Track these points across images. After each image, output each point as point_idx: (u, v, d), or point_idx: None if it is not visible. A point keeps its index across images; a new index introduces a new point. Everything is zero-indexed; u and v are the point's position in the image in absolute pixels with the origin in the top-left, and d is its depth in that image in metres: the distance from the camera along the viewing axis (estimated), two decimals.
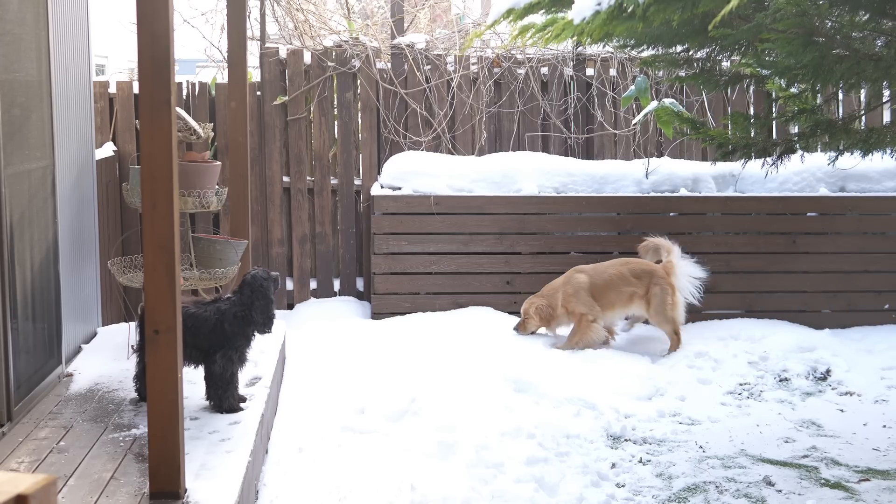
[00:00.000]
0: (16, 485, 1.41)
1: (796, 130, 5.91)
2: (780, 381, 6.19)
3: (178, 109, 5.80)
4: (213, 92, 7.78)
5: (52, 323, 4.93)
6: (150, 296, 3.46)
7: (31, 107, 4.68)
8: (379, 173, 7.82)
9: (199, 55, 9.65)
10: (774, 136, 7.53)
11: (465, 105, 8.02)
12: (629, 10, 4.04)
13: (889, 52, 4.23)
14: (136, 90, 7.42)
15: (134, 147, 7.51)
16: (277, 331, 5.52)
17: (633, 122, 7.78)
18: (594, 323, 6.52)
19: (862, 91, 6.35)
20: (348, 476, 4.37)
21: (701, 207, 7.47)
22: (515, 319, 6.85)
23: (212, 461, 3.89)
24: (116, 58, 14.28)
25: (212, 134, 6.38)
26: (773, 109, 7.66)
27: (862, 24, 4.32)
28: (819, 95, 5.58)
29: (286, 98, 7.83)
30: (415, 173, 7.41)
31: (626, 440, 5.16)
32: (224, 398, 4.49)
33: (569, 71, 8.17)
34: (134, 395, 4.66)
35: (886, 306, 7.51)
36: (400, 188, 7.38)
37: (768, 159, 5.47)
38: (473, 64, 8.06)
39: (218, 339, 4.49)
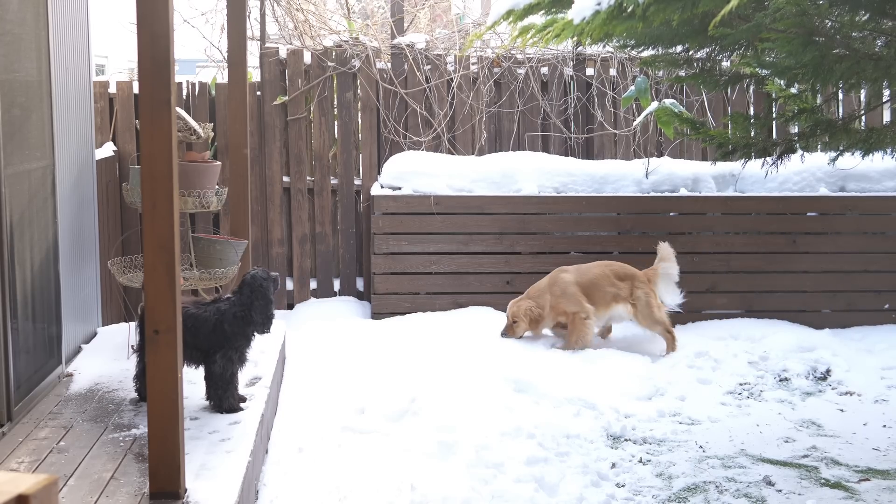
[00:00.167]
0: (17, 485, 1.41)
1: (796, 130, 5.91)
2: (780, 380, 6.19)
3: (178, 109, 5.80)
4: (213, 92, 7.78)
5: (52, 323, 4.93)
6: (150, 296, 3.46)
7: (31, 107, 4.68)
8: (379, 173, 7.82)
9: (199, 55, 9.65)
10: (774, 136, 7.53)
11: (465, 105, 8.02)
12: (629, 9, 4.04)
13: (889, 52, 4.23)
14: (136, 90, 7.42)
15: (134, 147, 7.51)
16: (277, 331, 5.52)
17: (634, 123, 7.78)
18: (587, 320, 6.51)
19: (862, 91, 6.35)
20: (348, 476, 4.37)
21: (701, 207, 7.47)
22: None
23: (212, 461, 3.89)
24: (116, 58, 14.28)
25: (212, 134, 6.38)
26: (773, 109, 7.66)
27: (862, 24, 4.32)
28: (819, 95, 5.58)
29: (286, 98, 7.83)
30: (415, 173, 7.41)
31: (626, 440, 5.16)
32: (224, 398, 4.49)
33: (569, 71, 8.17)
34: (134, 395, 4.66)
35: (886, 306, 7.51)
36: (400, 188, 7.38)
37: (768, 159, 5.47)
38: (473, 64, 8.07)
39: (218, 339, 4.49)
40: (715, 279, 7.45)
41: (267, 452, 4.66)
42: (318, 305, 7.73)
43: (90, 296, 5.81)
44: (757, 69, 4.84)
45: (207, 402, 4.54)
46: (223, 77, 8.11)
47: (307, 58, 7.86)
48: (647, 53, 5.73)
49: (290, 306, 7.87)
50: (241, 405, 4.55)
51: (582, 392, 5.65)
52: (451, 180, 7.39)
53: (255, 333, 4.61)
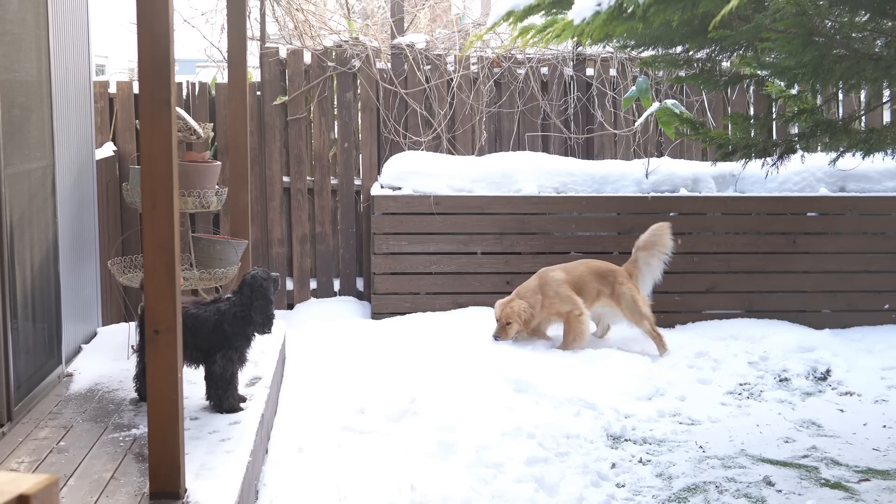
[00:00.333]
0: (18, 485, 1.41)
1: (796, 131, 5.91)
2: (780, 381, 6.19)
3: (178, 109, 5.80)
4: (213, 92, 7.78)
5: (52, 323, 4.94)
6: (150, 296, 3.46)
7: (31, 107, 4.68)
8: (379, 173, 7.82)
9: (199, 55, 9.65)
10: (774, 136, 7.53)
11: (465, 105, 8.02)
12: (629, 10, 4.04)
13: (889, 52, 4.23)
14: (136, 90, 7.42)
15: (134, 147, 7.51)
16: (277, 331, 5.52)
17: (636, 123, 7.78)
18: (582, 316, 6.52)
19: (862, 91, 6.35)
20: (348, 476, 4.37)
21: (701, 207, 7.47)
22: None
23: (212, 461, 3.89)
24: (116, 58, 14.27)
25: (212, 134, 6.38)
26: (773, 110, 7.66)
27: (862, 24, 4.32)
28: (819, 96, 5.58)
29: (286, 98, 7.83)
30: (415, 173, 7.41)
31: (626, 440, 5.16)
32: (224, 398, 4.49)
33: (569, 71, 8.17)
34: (134, 395, 4.66)
35: (886, 306, 7.51)
36: (400, 188, 7.38)
37: (768, 160, 5.47)
38: (473, 64, 8.07)
39: (218, 339, 4.49)
40: (715, 279, 7.45)
41: (267, 452, 4.66)
42: (318, 305, 7.73)
43: (90, 296, 5.81)
44: (757, 70, 4.84)
45: (207, 402, 4.54)
46: (223, 77, 8.11)
47: (307, 58, 7.86)
48: (647, 54, 5.74)
49: (290, 306, 7.87)
50: (241, 405, 4.55)
51: (582, 392, 5.65)
52: (451, 180, 7.40)
53: (256, 333, 4.61)
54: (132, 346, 5.32)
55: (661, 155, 8.12)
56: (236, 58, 6.25)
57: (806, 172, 7.58)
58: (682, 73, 5.70)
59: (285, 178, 7.91)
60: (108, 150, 7.26)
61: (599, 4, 4.14)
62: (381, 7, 9.27)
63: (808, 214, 7.52)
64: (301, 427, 4.97)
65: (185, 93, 7.72)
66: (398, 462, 4.53)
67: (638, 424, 5.35)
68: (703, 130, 5.62)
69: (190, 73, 9.83)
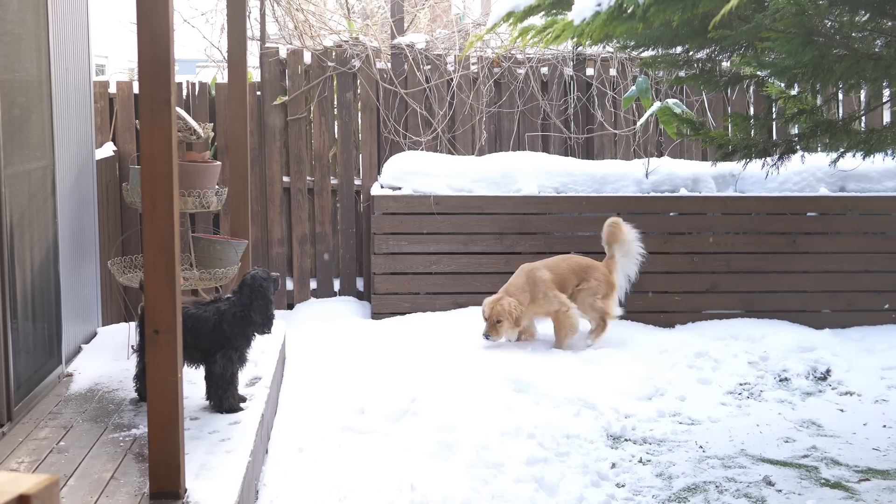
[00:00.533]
0: (18, 485, 1.41)
1: (796, 131, 5.91)
2: (780, 381, 6.19)
3: (178, 109, 5.80)
4: (213, 92, 7.78)
5: (52, 323, 4.94)
6: (150, 296, 3.46)
7: (31, 107, 4.68)
8: (379, 173, 7.82)
9: (199, 55, 9.65)
10: (775, 136, 7.53)
11: (464, 105, 8.03)
12: (629, 10, 4.04)
13: (889, 52, 4.23)
14: (136, 90, 7.43)
15: (134, 147, 7.51)
16: (277, 331, 5.52)
17: (637, 124, 7.78)
18: (570, 311, 6.53)
19: (862, 91, 6.35)
20: (348, 476, 4.37)
21: (701, 207, 7.47)
22: None
23: (212, 461, 3.89)
24: (116, 58, 14.27)
25: (212, 134, 6.38)
26: (773, 110, 7.66)
27: (862, 24, 4.32)
28: (819, 96, 5.58)
29: (286, 98, 7.83)
30: (415, 173, 7.41)
31: (626, 440, 5.16)
32: (224, 398, 4.49)
33: (569, 71, 8.17)
34: (134, 395, 4.66)
35: (886, 306, 7.51)
36: (400, 188, 7.38)
37: (769, 160, 5.47)
38: (473, 64, 8.07)
39: (218, 339, 4.49)
40: (715, 279, 7.45)
41: (267, 452, 4.66)
42: (318, 305, 7.73)
43: (90, 296, 5.81)
44: (757, 70, 4.84)
45: (207, 402, 4.54)
46: (223, 77, 8.11)
47: (307, 58, 7.86)
48: (647, 54, 5.74)
49: (290, 306, 7.87)
50: (241, 405, 4.56)
51: (582, 392, 5.65)
52: (451, 180, 7.40)
53: (256, 333, 4.61)
54: (132, 346, 5.32)
55: (661, 155, 8.12)
56: (236, 58, 6.26)
57: (806, 172, 7.58)
58: (682, 74, 5.70)
59: (285, 178, 7.91)
60: (108, 150, 7.27)
61: (599, 4, 4.14)
62: (381, 7, 9.28)
63: (808, 214, 7.52)
64: (301, 427, 4.97)
65: (185, 93, 7.72)
66: (398, 462, 4.53)
67: (638, 424, 5.35)
68: (703, 131, 5.61)
69: (190, 73, 9.83)
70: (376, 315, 7.34)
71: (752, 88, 7.63)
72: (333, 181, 7.95)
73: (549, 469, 4.58)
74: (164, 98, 3.37)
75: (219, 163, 6.05)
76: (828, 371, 6.34)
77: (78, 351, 5.46)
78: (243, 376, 4.87)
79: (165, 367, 3.47)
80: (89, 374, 5.04)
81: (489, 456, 4.62)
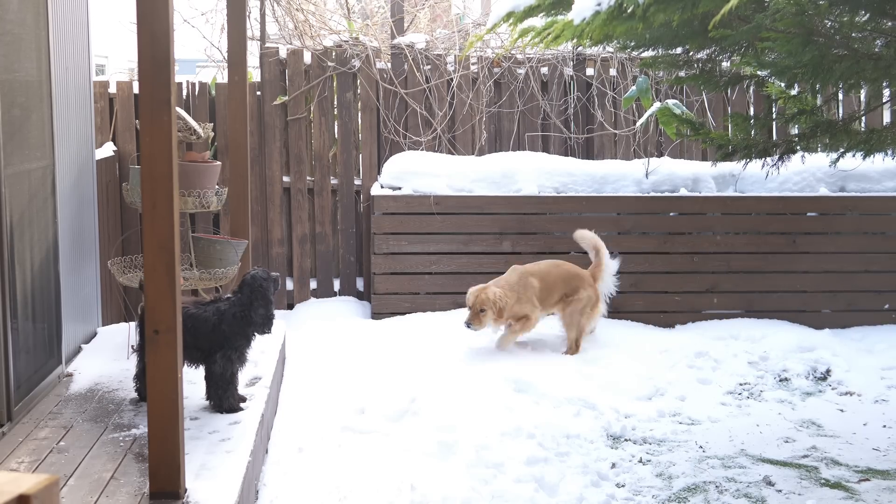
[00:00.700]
0: (18, 485, 1.41)
1: (797, 131, 5.91)
2: (780, 381, 6.19)
3: (178, 109, 5.80)
4: (213, 92, 7.78)
5: (52, 323, 4.94)
6: (150, 296, 3.46)
7: (31, 107, 4.68)
8: (379, 173, 7.82)
9: (199, 55, 9.66)
10: (775, 136, 7.53)
11: (464, 105, 8.03)
12: (629, 10, 4.04)
13: (889, 52, 4.23)
14: (136, 90, 7.42)
15: (134, 147, 7.51)
16: (277, 331, 5.52)
17: (637, 124, 7.77)
18: (535, 323, 6.46)
19: (862, 91, 6.35)
20: (348, 476, 4.37)
21: (701, 207, 7.47)
22: None
23: (212, 461, 3.89)
24: (116, 58, 14.28)
25: (212, 134, 6.38)
26: (773, 110, 7.66)
27: (862, 24, 4.32)
28: (819, 96, 5.58)
29: (286, 98, 7.83)
30: (415, 173, 7.41)
31: (626, 440, 5.16)
32: (224, 398, 4.49)
33: (569, 71, 8.17)
34: (134, 395, 4.66)
35: (886, 306, 7.51)
36: (400, 188, 7.38)
37: (769, 160, 5.47)
38: (473, 64, 8.07)
39: (218, 339, 4.49)
40: (715, 279, 7.45)
41: (267, 452, 4.66)
42: (318, 305, 7.73)
43: (90, 296, 5.81)
44: (757, 70, 4.84)
45: (207, 402, 4.54)
46: (223, 77, 8.11)
47: (307, 58, 7.86)
48: (647, 54, 5.74)
49: (290, 306, 7.87)
50: (241, 405, 4.56)
51: (582, 392, 5.65)
52: (451, 180, 7.40)
53: (256, 333, 4.61)
54: (132, 346, 5.32)
55: (661, 155, 8.12)
56: (236, 58, 6.26)
57: (806, 172, 7.58)
58: (683, 74, 5.70)
59: (285, 178, 7.91)
60: (108, 150, 7.27)
61: (599, 4, 4.14)
62: (381, 7, 9.28)
63: (808, 214, 7.52)
64: (301, 427, 4.97)
65: (185, 93, 7.72)
66: (398, 462, 4.53)
67: (638, 424, 5.35)
68: (703, 131, 5.61)
69: (190, 73, 9.83)
70: (376, 315, 7.34)
71: (752, 88, 7.63)
72: (333, 181, 7.95)
73: (549, 469, 4.59)
74: (164, 98, 3.37)
75: (219, 163, 6.05)
76: (828, 371, 6.34)
77: (78, 351, 5.46)
78: (243, 376, 4.87)
79: (165, 367, 3.48)
80: (89, 374, 5.04)
81: (489, 456, 4.62)
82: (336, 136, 8.01)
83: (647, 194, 7.47)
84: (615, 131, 8.20)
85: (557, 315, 6.65)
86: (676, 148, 8.23)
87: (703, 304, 7.45)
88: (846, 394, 6.02)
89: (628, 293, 7.32)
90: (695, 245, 7.43)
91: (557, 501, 4.31)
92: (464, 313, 6.39)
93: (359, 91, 7.97)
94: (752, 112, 8.37)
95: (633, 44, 5.15)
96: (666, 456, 4.95)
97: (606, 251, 6.75)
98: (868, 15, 4.30)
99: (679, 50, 5.29)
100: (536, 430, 4.98)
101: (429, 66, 8.00)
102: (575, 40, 4.51)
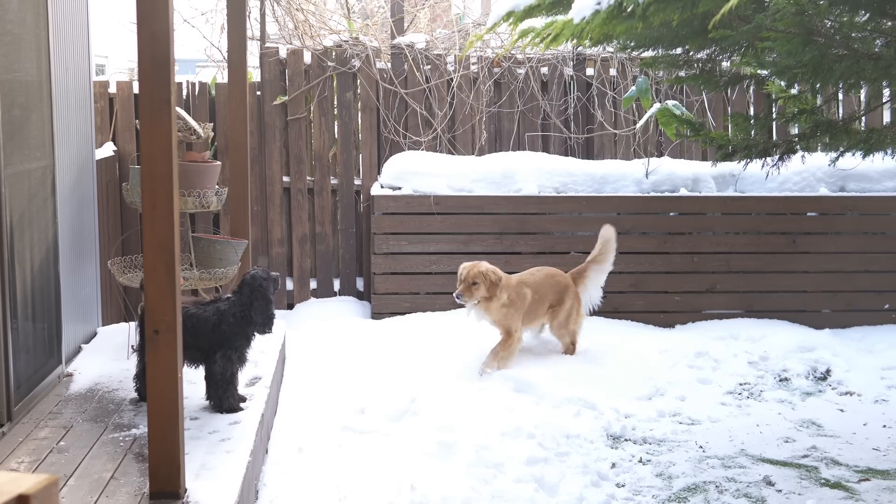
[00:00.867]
0: (18, 485, 1.41)
1: (797, 131, 5.91)
2: (780, 381, 6.19)
3: (178, 109, 5.80)
4: (213, 92, 7.78)
5: (52, 323, 4.94)
6: (150, 296, 3.46)
7: (31, 107, 4.68)
8: (379, 173, 7.82)
9: (199, 55, 9.66)
10: (775, 136, 7.53)
11: (465, 105, 8.03)
12: (629, 9, 4.04)
13: (889, 52, 4.23)
14: (136, 90, 7.43)
15: (134, 147, 7.51)
16: (277, 331, 5.52)
17: (637, 125, 7.77)
18: (517, 340, 6.16)
19: (862, 91, 6.35)
20: (348, 476, 4.37)
21: (701, 207, 7.47)
22: None
23: (212, 461, 3.89)
24: (116, 58, 14.28)
25: (212, 134, 6.38)
26: (773, 110, 7.66)
27: (862, 24, 4.32)
28: (819, 96, 5.58)
29: (286, 98, 7.83)
30: (415, 173, 7.41)
31: (626, 440, 5.16)
32: (224, 398, 4.49)
33: (569, 71, 8.17)
34: (134, 395, 4.67)
35: (886, 306, 7.51)
36: (400, 188, 7.38)
37: (769, 160, 5.47)
38: (473, 64, 8.07)
39: (218, 339, 4.49)
40: (715, 279, 7.45)
41: (267, 452, 4.66)
42: (318, 305, 7.73)
43: (90, 296, 5.81)
44: (757, 70, 4.84)
45: (207, 402, 4.54)
46: (223, 77, 8.11)
47: (307, 58, 7.86)
48: (647, 54, 5.74)
49: (290, 306, 7.87)
50: (241, 405, 4.56)
51: (582, 392, 5.65)
52: (451, 180, 7.40)
53: (256, 333, 4.61)
54: (132, 346, 5.32)
55: (661, 155, 8.12)
56: (236, 58, 6.26)
57: (806, 172, 7.58)
58: (682, 74, 5.70)
59: (285, 178, 7.91)
60: (108, 150, 7.27)
61: (599, 3, 4.14)
62: (381, 7, 9.28)
63: (808, 214, 7.52)
64: (301, 427, 4.97)
65: (185, 93, 7.72)
66: (398, 462, 4.53)
67: (638, 424, 5.35)
68: (703, 132, 5.61)
69: (190, 73, 9.84)
70: (376, 315, 7.34)
71: (752, 88, 7.64)
72: (333, 181, 7.95)
73: (549, 469, 4.58)
74: (164, 98, 3.37)
75: (219, 163, 6.05)
76: (828, 371, 6.34)
77: (78, 351, 5.46)
78: (243, 376, 4.87)
79: (165, 367, 3.48)
80: (89, 374, 5.04)
81: (489, 456, 4.62)
82: (336, 136, 8.01)
83: (647, 194, 7.47)
84: (615, 131, 8.20)
85: (546, 325, 6.57)
86: (676, 148, 8.23)
87: (703, 304, 7.45)
88: (846, 394, 6.02)
89: (628, 293, 7.33)
90: (695, 245, 7.43)
91: (557, 501, 4.31)
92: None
93: (359, 91, 7.97)
94: (752, 112, 8.37)
95: (632, 44, 5.15)
96: (666, 456, 4.95)
97: (610, 263, 6.54)
98: (868, 15, 4.31)
99: (679, 50, 5.29)
100: (536, 430, 4.98)
101: (429, 66, 8.00)
102: (575, 40, 4.52)
